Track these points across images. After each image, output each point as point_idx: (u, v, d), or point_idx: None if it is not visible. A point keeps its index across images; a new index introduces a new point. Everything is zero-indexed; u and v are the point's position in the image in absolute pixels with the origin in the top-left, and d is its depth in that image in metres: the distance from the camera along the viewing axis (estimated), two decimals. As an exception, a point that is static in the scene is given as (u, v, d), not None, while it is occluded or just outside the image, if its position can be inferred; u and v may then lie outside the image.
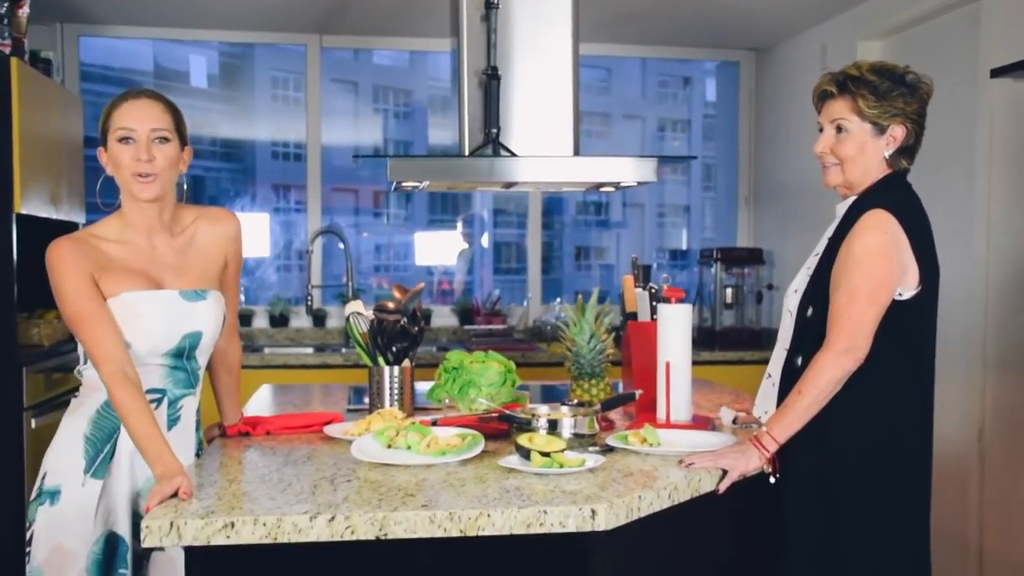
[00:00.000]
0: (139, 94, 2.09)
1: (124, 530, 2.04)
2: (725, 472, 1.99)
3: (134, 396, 1.93)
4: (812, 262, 2.15)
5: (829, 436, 2.02)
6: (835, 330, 1.97)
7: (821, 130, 2.14)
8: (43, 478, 2.06)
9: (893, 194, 2.06)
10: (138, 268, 2.07)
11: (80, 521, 2.01)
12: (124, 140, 2.05)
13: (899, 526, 2.03)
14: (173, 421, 2.11)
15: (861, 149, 2.08)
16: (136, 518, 2.04)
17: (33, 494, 2.07)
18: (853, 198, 2.11)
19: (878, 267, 1.97)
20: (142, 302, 2.05)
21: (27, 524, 2.06)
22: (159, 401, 2.09)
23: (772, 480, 2.06)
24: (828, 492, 2.02)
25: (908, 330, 2.03)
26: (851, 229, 2.02)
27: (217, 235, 2.21)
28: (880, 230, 1.98)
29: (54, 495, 2.03)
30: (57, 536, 2.02)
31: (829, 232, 2.14)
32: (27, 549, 2.05)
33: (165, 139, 2.07)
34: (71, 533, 2.01)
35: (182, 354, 2.11)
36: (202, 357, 2.17)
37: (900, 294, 2.01)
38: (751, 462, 2.00)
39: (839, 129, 2.09)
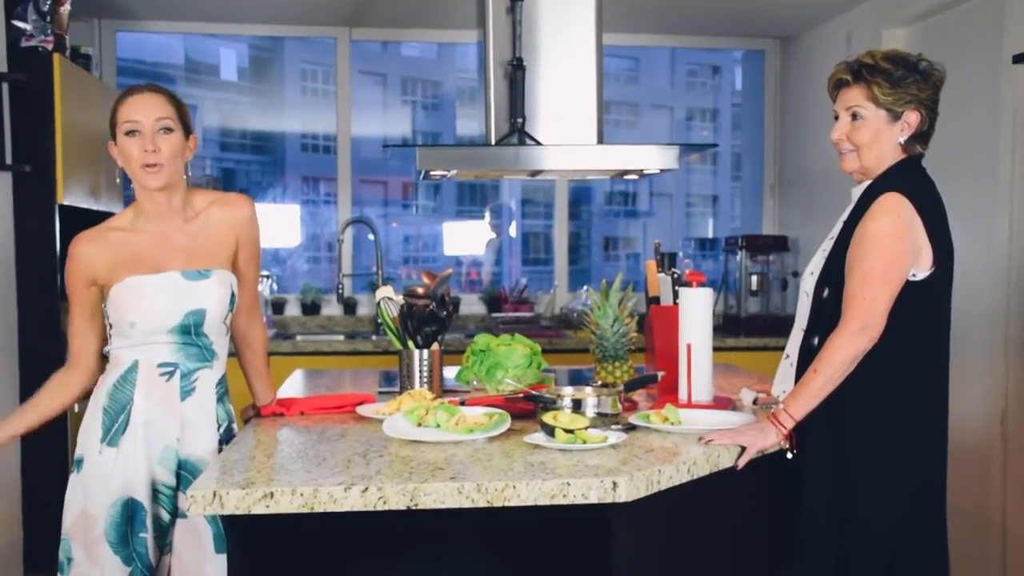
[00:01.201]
0: (142, 88, 2.18)
1: (142, 495, 2.15)
2: (744, 448, 2.05)
3: (57, 376, 2.26)
4: (828, 245, 2.20)
5: (844, 412, 2.07)
6: (850, 310, 2.03)
7: (837, 118, 2.19)
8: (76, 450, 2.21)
9: (907, 177, 2.11)
10: (147, 255, 2.19)
11: (99, 487, 2.14)
12: (131, 133, 2.15)
13: (914, 499, 2.08)
14: (187, 392, 2.20)
15: (876, 135, 2.12)
16: (155, 485, 2.17)
17: None
18: (868, 182, 2.16)
19: (892, 248, 2.02)
20: (145, 284, 2.17)
21: None
22: (171, 374, 2.19)
23: (790, 455, 2.12)
24: (844, 466, 2.08)
25: (922, 310, 2.08)
26: (866, 212, 2.07)
27: (228, 218, 2.29)
28: (894, 212, 2.03)
29: (79, 463, 2.18)
30: (81, 502, 2.15)
31: (844, 215, 2.19)
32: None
33: (169, 129, 2.16)
34: (92, 498, 2.14)
35: (189, 331, 2.20)
36: (212, 333, 2.24)
37: (914, 275, 2.05)
38: (768, 439, 2.07)
39: (854, 116, 2.14)
